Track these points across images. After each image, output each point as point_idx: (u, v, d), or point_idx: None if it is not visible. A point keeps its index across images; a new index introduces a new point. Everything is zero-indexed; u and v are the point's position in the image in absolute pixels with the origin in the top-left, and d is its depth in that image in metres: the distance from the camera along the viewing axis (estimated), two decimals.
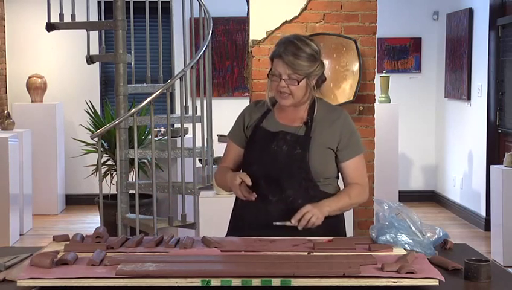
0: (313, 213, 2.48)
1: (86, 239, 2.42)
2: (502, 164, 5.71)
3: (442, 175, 8.17)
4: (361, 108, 5.32)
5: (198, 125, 5.17)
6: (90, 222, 7.28)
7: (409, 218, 2.40)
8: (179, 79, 4.97)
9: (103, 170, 6.12)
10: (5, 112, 7.10)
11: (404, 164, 8.20)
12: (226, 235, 2.67)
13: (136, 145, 4.87)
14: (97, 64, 7.73)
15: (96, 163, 5.88)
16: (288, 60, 2.53)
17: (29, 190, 6.96)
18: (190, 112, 5.33)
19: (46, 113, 7.66)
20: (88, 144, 6.43)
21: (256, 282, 1.98)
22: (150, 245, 2.35)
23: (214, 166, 5.14)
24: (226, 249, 2.31)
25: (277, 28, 5.25)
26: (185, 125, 5.55)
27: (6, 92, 8.06)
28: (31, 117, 7.57)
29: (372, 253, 2.26)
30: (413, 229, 2.38)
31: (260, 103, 2.76)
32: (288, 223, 2.47)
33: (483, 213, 6.85)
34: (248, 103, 3.41)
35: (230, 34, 8.13)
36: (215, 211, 4.48)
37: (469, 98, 7.24)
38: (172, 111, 7.48)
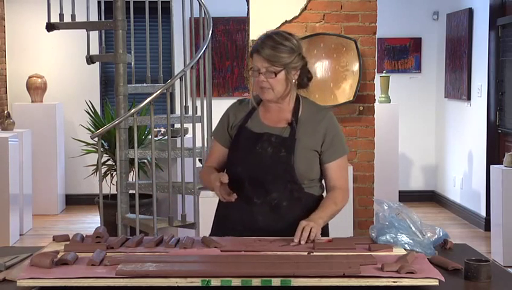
0: (311, 226, 2.43)
1: (86, 239, 2.42)
2: (502, 164, 5.71)
3: (442, 175, 8.17)
4: (361, 108, 5.32)
5: (198, 125, 5.17)
6: (90, 222, 7.28)
7: (409, 218, 2.40)
8: (179, 79, 4.97)
9: (103, 170, 6.12)
10: (5, 112, 7.10)
11: (404, 164, 8.20)
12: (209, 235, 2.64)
13: (136, 145, 4.87)
14: (97, 64, 7.73)
15: (96, 163, 5.88)
16: (265, 54, 2.52)
17: (29, 190, 6.96)
18: (190, 112, 5.33)
19: (46, 113, 7.66)
20: (88, 144, 6.43)
21: (256, 282, 1.98)
22: (150, 245, 2.35)
23: None
24: (226, 249, 2.31)
25: (277, 28, 5.25)
26: (185, 125, 5.55)
27: (6, 92, 8.06)
28: (31, 117, 7.56)
29: (372, 253, 2.26)
30: (413, 229, 2.38)
31: (244, 102, 2.74)
32: (292, 244, 2.39)
33: (483, 213, 6.85)
34: None
35: (230, 34, 8.13)
36: (215, 211, 4.47)
37: (469, 98, 7.24)
38: (172, 111, 7.48)
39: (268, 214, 2.56)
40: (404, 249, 2.32)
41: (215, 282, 1.98)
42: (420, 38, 8.26)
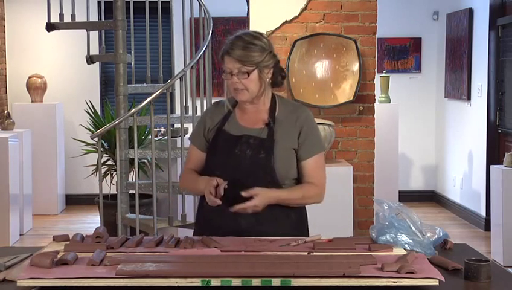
0: (256, 204, 2.46)
1: (86, 239, 2.42)
2: (502, 164, 5.71)
3: (442, 175, 8.17)
4: (361, 108, 5.32)
5: None
6: (90, 222, 7.28)
7: (409, 218, 2.40)
8: (179, 79, 4.97)
9: (103, 170, 6.12)
10: (5, 112, 7.10)
11: (404, 164, 8.20)
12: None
13: (136, 145, 4.87)
14: (97, 64, 7.73)
15: (96, 163, 5.88)
16: (236, 55, 2.51)
17: (29, 190, 6.96)
18: (190, 112, 5.33)
19: (46, 113, 7.66)
20: (88, 144, 6.43)
21: (256, 282, 1.98)
22: (150, 245, 2.35)
23: None
24: (226, 249, 2.31)
25: (277, 28, 5.26)
26: (185, 125, 5.55)
27: (6, 92, 8.06)
28: (31, 117, 7.57)
29: (372, 253, 2.26)
30: (413, 229, 2.38)
31: (220, 104, 2.71)
32: (292, 244, 2.38)
33: (483, 213, 6.86)
34: None
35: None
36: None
37: (469, 98, 7.24)
38: (172, 111, 7.48)
39: (250, 216, 2.55)
40: (404, 249, 2.31)
41: (215, 282, 1.98)
42: (420, 38, 8.26)
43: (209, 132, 2.68)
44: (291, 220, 2.64)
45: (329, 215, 4.93)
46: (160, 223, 4.91)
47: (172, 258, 2.17)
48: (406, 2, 8.21)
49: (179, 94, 5.68)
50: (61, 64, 8.17)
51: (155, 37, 6.04)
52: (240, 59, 2.51)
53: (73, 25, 5.72)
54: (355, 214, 5.14)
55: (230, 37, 2.59)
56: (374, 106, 5.36)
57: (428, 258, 2.23)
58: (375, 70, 5.39)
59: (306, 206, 2.76)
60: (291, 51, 5.20)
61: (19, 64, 8.11)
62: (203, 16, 5.44)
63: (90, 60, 5.81)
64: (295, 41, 5.21)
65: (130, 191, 5.13)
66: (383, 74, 7.53)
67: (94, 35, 6.55)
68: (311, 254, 2.25)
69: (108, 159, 6.22)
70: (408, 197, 7.90)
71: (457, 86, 7.53)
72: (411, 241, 2.33)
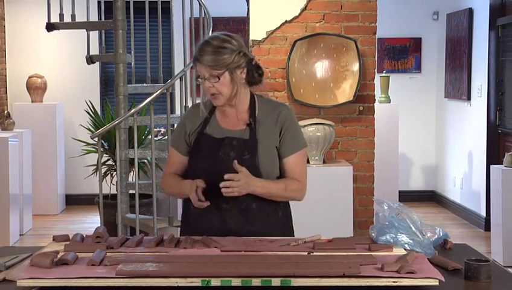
0: (239, 186, 2.43)
1: (86, 239, 2.42)
2: (502, 164, 5.71)
3: (442, 175, 8.17)
4: (361, 108, 5.32)
5: None
6: (90, 222, 7.28)
7: (409, 218, 2.40)
8: (179, 79, 4.98)
9: (103, 170, 6.12)
10: (5, 112, 7.10)
11: (404, 164, 8.20)
12: None
13: (136, 145, 4.87)
14: (97, 64, 7.73)
15: (96, 163, 5.88)
16: (205, 60, 2.50)
17: (29, 190, 6.96)
18: None
19: (46, 113, 7.66)
20: (88, 144, 6.43)
21: (256, 282, 1.98)
22: (150, 245, 2.35)
23: None
24: (226, 249, 2.31)
25: (277, 28, 5.26)
26: None
27: (6, 92, 8.06)
28: (31, 117, 7.57)
29: (372, 253, 2.25)
30: (413, 229, 2.38)
31: (200, 106, 2.68)
32: (292, 244, 2.38)
33: (483, 213, 6.86)
34: None
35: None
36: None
37: (469, 98, 7.24)
38: (172, 111, 7.48)
39: (239, 218, 2.55)
40: (404, 249, 2.31)
41: (215, 282, 1.98)
42: (420, 38, 8.26)
43: (190, 135, 2.66)
44: (278, 217, 2.64)
45: (329, 215, 4.93)
46: (160, 223, 4.91)
47: (172, 258, 2.17)
48: (406, 2, 8.21)
49: (179, 94, 5.68)
50: (61, 64, 8.17)
51: (155, 37, 6.04)
52: (208, 64, 2.49)
53: (73, 25, 5.72)
54: (355, 214, 5.14)
55: (200, 42, 2.56)
56: (374, 106, 5.36)
57: (428, 258, 2.23)
58: (375, 70, 5.39)
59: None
60: (291, 51, 5.20)
61: (19, 64, 8.11)
62: (203, 16, 5.45)
63: (90, 60, 5.81)
64: (295, 41, 5.20)
65: (130, 191, 5.13)
66: (383, 74, 7.53)
67: (94, 35, 6.55)
68: (311, 254, 2.25)
69: (108, 159, 6.22)
70: (408, 197, 7.90)
71: (457, 86, 7.53)
72: (411, 241, 2.33)
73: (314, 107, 5.26)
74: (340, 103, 5.25)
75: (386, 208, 2.45)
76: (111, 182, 6.09)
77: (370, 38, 5.30)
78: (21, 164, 6.65)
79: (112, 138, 5.82)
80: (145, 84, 5.69)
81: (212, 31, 5.30)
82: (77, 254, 2.19)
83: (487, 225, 6.55)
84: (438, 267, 2.16)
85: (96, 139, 4.98)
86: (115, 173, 5.79)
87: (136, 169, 5.09)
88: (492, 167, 5.86)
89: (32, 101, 7.80)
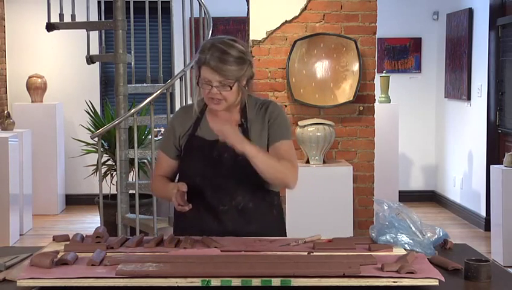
0: (235, 134, 2.38)
1: (86, 239, 2.42)
2: (502, 164, 5.71)
3: (442, 175, 8.17)
4: (361, 108, 5.32)
5: None
6: (90, 222, 7.28)
7: (409, 218, 2.40)
8: (179, 79, 4.98)
9: (103, 170, 6.12)
10: (5, 112, 7.10)
11: (404, 164, 8.20)
12: None
13: (136, 145, 4.87)
14: (97, 64, 7.73)
15: (96, 163, 5.88)
16: (216, 67, 2.42)
17: (29, 190, 6.96)
18: None
19: (46, 113, 7.66)
20: (88, 144, 6.43)
21: (256, 282, 1.98)
22: (150, 245, 2.34)
23: None
24: (226, 249, 2.30)
25: (277, 28, 5.26)
26: None
27: (6, 92, 8.06)
28: (31, 117, 7.57)
29: (372, 253, 2.25)
30: (413, 229, 2.38)
31: (188, 108, 2.65)
32: (292, 244, 2.36)
33: (483, 213, 6.86)
34: None
35: (230, 34, 8.12)
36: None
37: (469, 98, 7.24)
38: (172, 111, 7.47)
39: (236, 218, 2.54)
40: (404, 249, 2.31)
41: (215, 282, 1.98)
42: (420, 38, 8.26)
43: (180, 138, 2.62)
44: (273, 216, 2.64)
45: (329, 215, 4.93)
46: (160, 223, 4.91)
47: (172, 258, 2.17)
48: (406, 2, 8.21)
49: (179, 94, 5.68)
50: (61, 64, 8.17)
51: (155, 37, 6.04)
52: (220, 72, 2.42)
53: (73, 25, 5.72)
54: (355, 214, 5.14)
55: (207, 45, 2.47)
56: (374, 106, 5.36)
57: (428, 258, 2.23)
58: (375, 70, 5.39)
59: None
60: (291, 51, 5.20)
61: (19, 64, 8.11)
62: (203, 16, 5.45)
63: (90, 60, 5.81)
64: (295, 41, 5.21)
65: (130, 191, 5.13)
66: (383, 74, 7.53)
67: (94, 35, 6.55)
68: (311, 254, 2.25)
69: (108, 159, 6.22)
70: (408, 197, 7.90)
71: (457, 86, 7.54)
72: (411, 241, 2.33)
73: (314, 107, 5.26)
74: (340, 103, 5.25)
75: (386, 208, 2.45)
76: (111, 182, 6.09)
77: (370, 38, 5.30)
78: (21, 164, 6.65)
79: (111, 138, 5.82)
80: (145, 84, 5.69)
81: (212, 31, 5.29)
82: (77, 254, 2.19)
83: (487, 225, 6.55)
84: (438, 267, 2.16)
85: (96, 139, 4.98)
86: (115, 173, 5.80)
87: (136, 169, 5.09)
88: (492, 167, 5.86)
89: (32, 101, 7.80)
